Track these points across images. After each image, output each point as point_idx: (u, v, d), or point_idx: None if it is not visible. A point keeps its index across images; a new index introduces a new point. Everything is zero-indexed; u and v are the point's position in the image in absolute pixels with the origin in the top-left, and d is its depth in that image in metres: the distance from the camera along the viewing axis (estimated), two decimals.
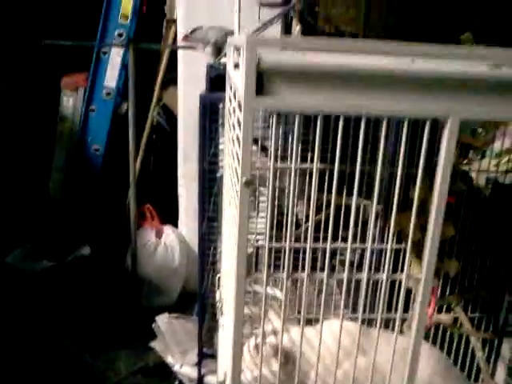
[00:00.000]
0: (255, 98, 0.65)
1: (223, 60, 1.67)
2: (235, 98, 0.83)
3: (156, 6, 2.75)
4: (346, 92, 0.66)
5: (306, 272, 0.86)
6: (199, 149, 1.71)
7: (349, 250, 0.81)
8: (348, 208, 0.82)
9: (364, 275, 0.82)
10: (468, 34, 3.80)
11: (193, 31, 1.78)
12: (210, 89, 1.58)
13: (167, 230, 2.80)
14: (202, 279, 1.81)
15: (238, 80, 0.72)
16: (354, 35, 4.98)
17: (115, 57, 2.74)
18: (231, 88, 1.05)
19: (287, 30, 1.99)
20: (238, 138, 0.72)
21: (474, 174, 1.48)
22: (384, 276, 0.84)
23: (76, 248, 2.83)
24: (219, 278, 1.21)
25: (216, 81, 1.58)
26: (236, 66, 0.76)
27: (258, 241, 1.64)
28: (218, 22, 2.41)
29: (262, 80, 0.64)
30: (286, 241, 1.35)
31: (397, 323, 0.82)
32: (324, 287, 0.84)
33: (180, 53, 2.53)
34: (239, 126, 0.69)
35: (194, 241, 2.50)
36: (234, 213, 0.73)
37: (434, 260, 0.73)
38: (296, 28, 1.64)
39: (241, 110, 0.66)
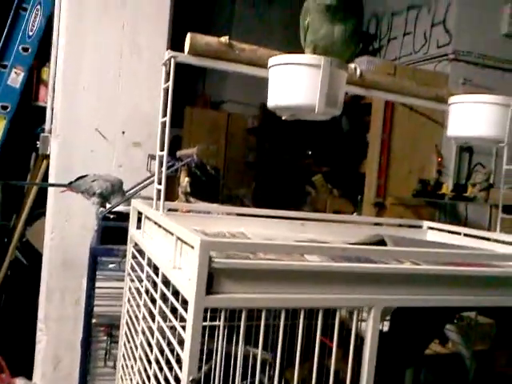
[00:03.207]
0: (204, 297, 0.66)
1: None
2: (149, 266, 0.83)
3: (26, 138, 2.67)
4: (286, 288, 0.70)
5: None
6: (86, 298, 1.59)
7: None
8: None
9: None
10: (319, 176, 4.30)
11: (76, 180, 1.75)
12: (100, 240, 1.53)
13: (19, 383, 2.42)
14: None
15: (180, 278, 0.72)
16: (216, 169, 5.26)
17: None
18: (139, 251, 1.04)
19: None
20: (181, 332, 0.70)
21: None
22: None
23: None
24: None
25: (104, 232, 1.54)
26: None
27: None
28: (95, 165, 2.43)
29: (212, 279, 0.66)
30: None
31: None
32: None
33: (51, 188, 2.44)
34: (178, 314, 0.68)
35: None
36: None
37: None
38: (185, 180, 1.71)
39: (186, 310, 0.66)
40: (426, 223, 1.57)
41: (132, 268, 1.14)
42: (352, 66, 1.07)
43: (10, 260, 2.61)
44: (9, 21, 2.46)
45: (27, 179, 2.69)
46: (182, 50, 0.95)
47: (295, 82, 0.87)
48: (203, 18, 5.49)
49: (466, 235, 1.42)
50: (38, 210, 2.63)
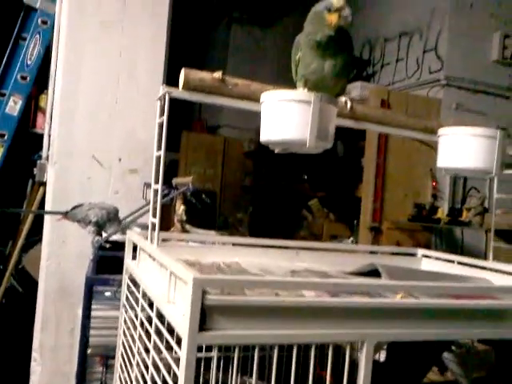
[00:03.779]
0: (197, 333, 0.66)
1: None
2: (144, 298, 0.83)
3: (23, 165, 2.69)
4: (279, 324, 0.71)
5: None
6: (81, 329, 1.58)
7: None
8: None
9: None
10: (316, 201, 4.31)
11: (72, 209, 1.76)
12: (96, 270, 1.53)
13: None
14: None
15: (174, 313, 0.73)
16: (213, 193, 5.33)
17: None
18: (132, 281, 1.05)
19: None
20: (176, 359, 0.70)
21: None
22: None
23: None
24: None
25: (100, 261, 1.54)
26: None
27: None
28: (91, 192, 2.45)
29: (205, 316, 0.67)
30: None
31: None
32: None
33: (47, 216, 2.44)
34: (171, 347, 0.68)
35: None
36: None
37: None
38: (180, 208, 1.72)
39: (179, 346, 0.67)
40: (421, 251, 1.58)
41: (127, 299, 1.14)
42: (342, 99, 1.09)
43: (5, 287, 2.60)
44: (8, 50, 2.50)
45: (24, 206, 2.69)
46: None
47: (286, 118, 0.89)
48: (200, 45, 5.58)
49: (459, 263, 1.43)
50: (35, 236, 2.63)
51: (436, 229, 3.51)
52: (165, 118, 0.92)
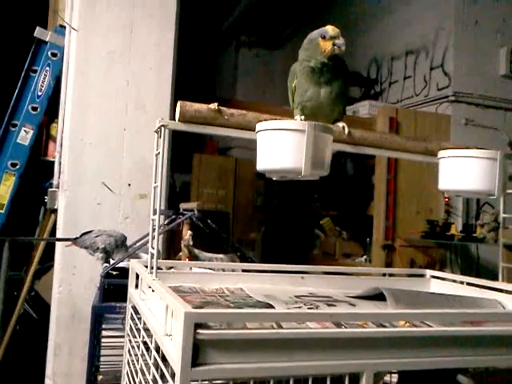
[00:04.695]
0: (191, 369, 0.66)
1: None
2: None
3: (35, 192, 2.73)
4: (274, 356, 0.70)
5: None
6: (89, 357, 1.58)
7: None
8: None
9: None
10: (328, 219, 4.28)
11: (81, 235, 1.78)
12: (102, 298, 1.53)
13: None
14: None
15: (170, 347, 0.73)
16: (225, 214, 5.35)
17: None
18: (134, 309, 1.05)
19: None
20: None
21: None
22: None
23: None
24: None
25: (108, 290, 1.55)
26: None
27: None
28: (101, 218, 2.48)
29: (198, 351, 0.67)
30: None
31: None
32: None
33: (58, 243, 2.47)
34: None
35: None
36: None
37: None
38: (187, 233, 1.73)
39: (174, 380, 0.66)
40: (429, 272, 1.56)
41: (131, 329, 1.14)
42: (340, 124, 1.10)
43: (18, 313, 2.62)
44: (19, 82, 2.56)
45: (36, 233, 2.73)
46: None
47: (281, 147, 0.90)
48: (209, 69, 5.67)
49: (468, 284, 1.41)
50: (48, 262, 2.66)
51: (450, 245, 3.46)
52: (161, 149, 0.94)
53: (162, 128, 0.94)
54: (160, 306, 0.90)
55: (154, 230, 0.97)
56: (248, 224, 5.23)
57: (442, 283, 1.51)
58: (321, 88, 1.08)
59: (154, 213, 0.96)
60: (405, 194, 3.52)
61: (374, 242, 3.53)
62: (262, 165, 0.94)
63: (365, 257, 3.85)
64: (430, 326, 0.89)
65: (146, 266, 1.03)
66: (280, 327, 0.81)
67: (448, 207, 3.60)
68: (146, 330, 0.96)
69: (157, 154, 0.96)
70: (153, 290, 0.97)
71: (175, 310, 0.69)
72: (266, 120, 0.97)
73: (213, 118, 0.99)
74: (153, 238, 0.97)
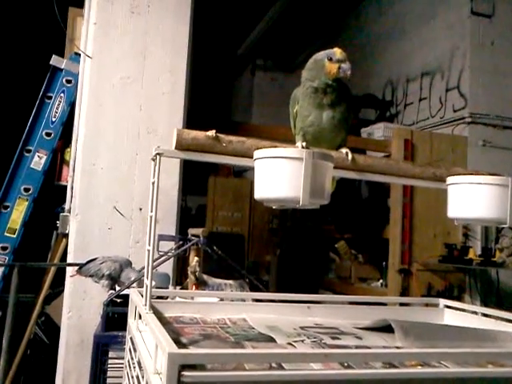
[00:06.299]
0: None
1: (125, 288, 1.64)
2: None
3: (48, 217, 2.75)
4: None
5: None
6: None
7: None
8: None
9: None
10: (343, 243, 4.21)
11: (86, 263, 1.76)
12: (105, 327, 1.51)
13: None
14: None
15: None
16: (241, 236, 5.32)
17: None
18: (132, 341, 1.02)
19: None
20: None
21: None
22: None
23: None
24: None
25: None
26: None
27: None
28: (112, 242, 2.47)
29: None
30: None
31: None
32: None
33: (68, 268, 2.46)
34: None
35: None
36: None
37: None
38: (194, 259, 1.70)
39: None
40: (443, 301, 1.49)
41: (129, 361, 1.11)
42: (343, 150, 1.07)
43: (28, 338, 2.61)
44: (34, 109, 2.60)
45: (48, 257, 2.73)
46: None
47: (279, 175, 0.87)
48: (225, 93, 5.71)
49: (484, 315, 1.34)
50: (60, 287, 2.65)
51: (469, 269, 3.36)
52: (156, 178, 0.92)
53: (158, 156, 0.92)
54: (152, 341, 0.87)
55: (148, 261, 0.94)
56: (263, 247, 5.18)
57: (456, 313, 1.45)
58: (323, 112, 1.05)
59: (149, 243, 0.94)
60: (421, 217, 3.44)
61: (390, 266, 3.45)
62: (259, 193, 0.91)
63: (381, 281, 3.76)
64: (442, 364, 0.84)
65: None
66: (280, 366, 0.77)
67: (466, 230, 3.51)
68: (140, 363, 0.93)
69: (153, 183, 0.94)
70: (145, 324, 0.94)
71: (161, 348, 0.66)
72: (264, 147, 0.94)
73: (210, 145, 0.97)
74: (147, 270, 0.94)
